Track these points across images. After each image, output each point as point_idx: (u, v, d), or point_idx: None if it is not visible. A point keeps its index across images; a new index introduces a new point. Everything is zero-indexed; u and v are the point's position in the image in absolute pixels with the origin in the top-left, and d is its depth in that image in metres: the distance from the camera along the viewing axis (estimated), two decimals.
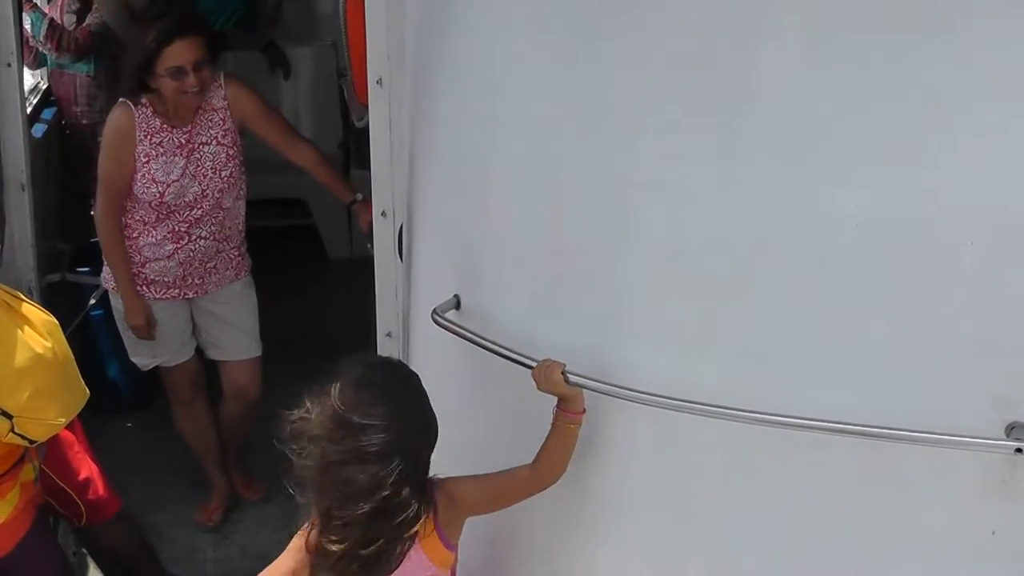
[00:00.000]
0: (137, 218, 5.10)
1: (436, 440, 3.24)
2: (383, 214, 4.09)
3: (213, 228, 5.17)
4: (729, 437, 3.02)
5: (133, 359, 5.43)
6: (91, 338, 5.88)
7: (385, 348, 4.14)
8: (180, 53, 4.90)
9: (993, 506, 2.92)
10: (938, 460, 2.89)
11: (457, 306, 3.49)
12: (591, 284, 3.20)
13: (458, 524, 3.30)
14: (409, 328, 3.90)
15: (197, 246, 5.17)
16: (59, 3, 7.11)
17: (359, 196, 5.18)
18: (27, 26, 6.60)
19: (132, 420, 6.25)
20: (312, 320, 6.96)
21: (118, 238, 5.11)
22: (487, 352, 3.30)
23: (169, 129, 5.03)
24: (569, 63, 3.16)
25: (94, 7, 7.00)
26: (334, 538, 3.16)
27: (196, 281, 5.26)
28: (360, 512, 3.11)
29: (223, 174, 5.11)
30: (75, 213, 6.24)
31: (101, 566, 4.77)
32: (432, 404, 3.22)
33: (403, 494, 3.12)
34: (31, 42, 6.78)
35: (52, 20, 6.79)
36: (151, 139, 5.00)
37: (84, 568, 4.82)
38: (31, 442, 3.80)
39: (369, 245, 4.29)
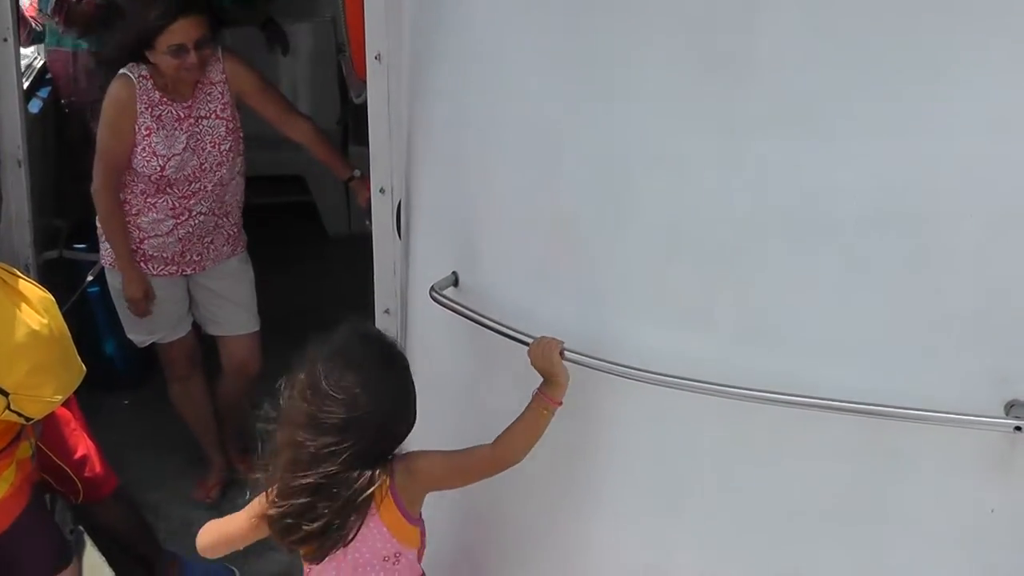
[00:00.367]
0: (137, 192, 5.09)
1: (411, 425, 3.23)
2: (381, 191, 4.08)
3: (212, 203, 5.16)
4: (726, 413, 3.02)
5: (130, 335, 5.43)
6: (88, 315, 5.85)
7: (383, 325, 4.13)
8: (183, 31, 4.88)
9: (992, 484, 2.92)
10: (936, 438, 2.89)
11: (455, 283, 3.49)
12: (589, 260, 3.20)
13: (416, 496, 3.26)
14: (407, 305, 3.89)
15: (196, 222, 5.16)
16: None
17: (357, 173, 5.18)
18: (29, 1, 6.55)
19: (129, 397, 6.23)
20: (310, 297, 6.94)
21: (116, 212, 5.10)
22: (485, 329, 3.29)
23: (169, 102, 5.01)
24: (568, 36, 3.14)
25: None
26: (277, 502, 3.17)
27: (195, 258, 5.25)
28: (304, 482, 3.11)
29: (222, 148, 5.10)
30: (73, 190, 6.21)
31: (98, 543, 4.77)
32: (430, 380, 3.21)
33: (352, 473, 3.11)
34: (38, 17, 6.74)
35: None
36: (151, 111, 4.99)
37: (81, 546, 4.80)
38: (27, 419, 3.80)
39: (367, 222, 4.28)
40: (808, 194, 2.88)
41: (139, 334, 5.40)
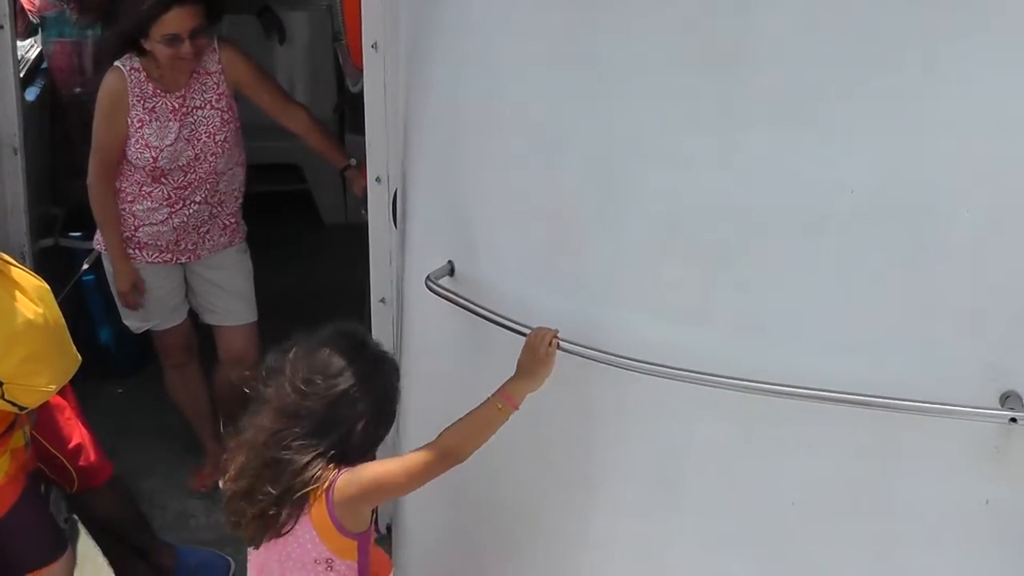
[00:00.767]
0: (132, 182, 5.09)
1: (384, 431, 3.25)
2: (377, 180, 4.08)
3: (208, 193, 5.16)
4: (723, 405, 3.02)
5: (126, 321, 5.43)
6: (83, 303, 5.86)
7: (379, 314, 4.13)
8: (177, 21, 4.88)
9: (987, 476, 2.92)
10: (933, 429, 2.89)
11: (451, 272, 3.48)
12: (586, 251, 3.19)
13: (355, 506, 3.18)
14: (403, 294, 3.89)
15: (191, 211, 5.15)
16: None
17: (353, 162, 5.18)
18: None
19: (124, 385, 6.23)
20: (307, 285, 6.95)
21: (110, 203, 5.10)
22: (481, 319, 3.28)
23: (162, 94, 5.01)
24: (566, 29, 3.14)
25: None
26: (228, 482, 3.21)
27: (189, 246, 5.25)
28: (252, 464, 3.14)
29: (218, 138, 5.09)
30: (69, 178, 6.20)
31: (92, 532, 4.77)
32: (425, 370, 3.21)
33: (301, 463, 3.11)
34: (43, 5, 6.71)
35: None
36: (144, 104, 4.99)
37: (76, 534, 4.81)
38: (21, 408, 3.80)
39: (363, 211, 4.28)
40: (805, 188, 2.88)
41: (135, 320, 5.41)
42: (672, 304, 3.07)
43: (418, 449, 3.17)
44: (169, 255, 5.24)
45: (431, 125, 3.61)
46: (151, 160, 5.01)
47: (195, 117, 5.05)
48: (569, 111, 3.16)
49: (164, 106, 5.01)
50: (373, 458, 3.25)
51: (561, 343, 3.09)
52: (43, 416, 4.18)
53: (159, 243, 5.19)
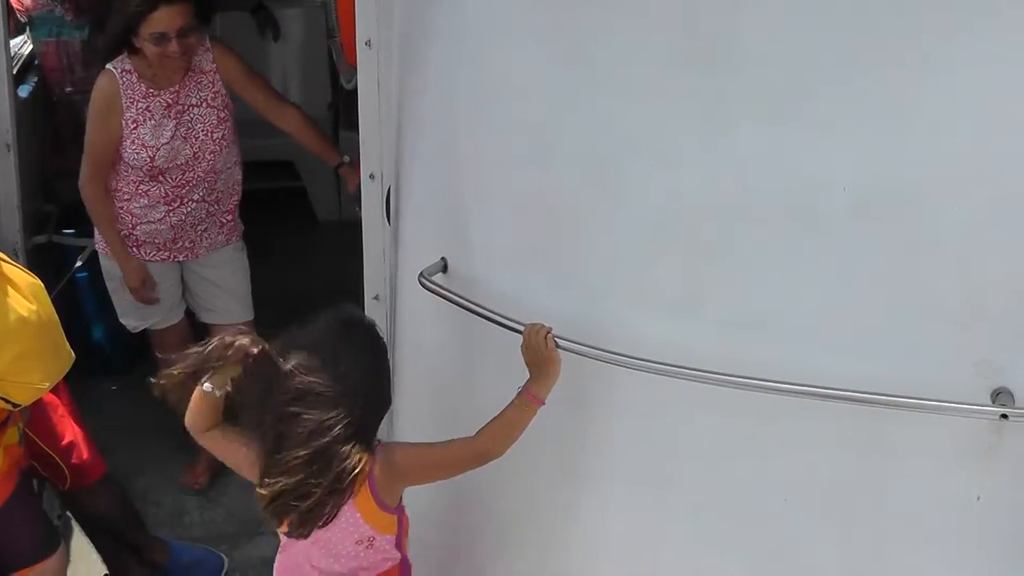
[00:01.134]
0: (128, 181, 5.08)
1: (386, 410, 3.26)
2: (371, 176, 4.07)
3: (205, 192, 5.16)
4: (715, 401, 3.02)
5: (123, 320, 5.42)
6: (77, 300, 5.85)
7: (372, 311, 4.12)
8: (164, 19, 4.87)
9: (978, 472, 2.93)
10: (924, 425, 2.90)
11: (444, 269, 3.48)
12: (579, 248, 3.19)
13: (394, 488, 3.27)
14: (396, 291, 3.89)
15: (189, 209, 5.15)
16: None
17: (346, 159, 5.18)
18: None
19: (117, 383, 6.21)
20: (300, 282, 6.93)
21: (104, 203, 5.10)
22: (474, 315, 3.29)
23: (155, 93, 5.00)
24: (557, 27, 3.14)
25: None
26: (267, 481, 3.16)
27: (187, 244, 5.25)
28: (297, 459, 3.10)
29: (215, 136, 5.09)
30: (62, 176, 6.19)
31: (86, 529, 4.76)
32: (419, 366, 3.21)
33: (345, 446, 3.11)
34: (37, 3, 6.70)
35: None
36: (137, 105, 4.98)
37: (69, 532, 4.80)
38: (14, 406, 3.79)
39: (357, 208, 4.27)
40: (796, 184, 2.89)
41: (132, 319, 5.40)
42: (665, 300, 3.08)
43: (458, 441, 3.20)
44: (167, 253, 5.23)
45: (424, 122, 3.62)
46: (148, 160, 5.00)
47: (191, 115, 5.05)
48: (562, 108, 3.17)
49: (158, 104, 5.00)
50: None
51: (555, 340, 3.10)
52: (36, 413, 4.17)
53: (156, 241, 5.19)
